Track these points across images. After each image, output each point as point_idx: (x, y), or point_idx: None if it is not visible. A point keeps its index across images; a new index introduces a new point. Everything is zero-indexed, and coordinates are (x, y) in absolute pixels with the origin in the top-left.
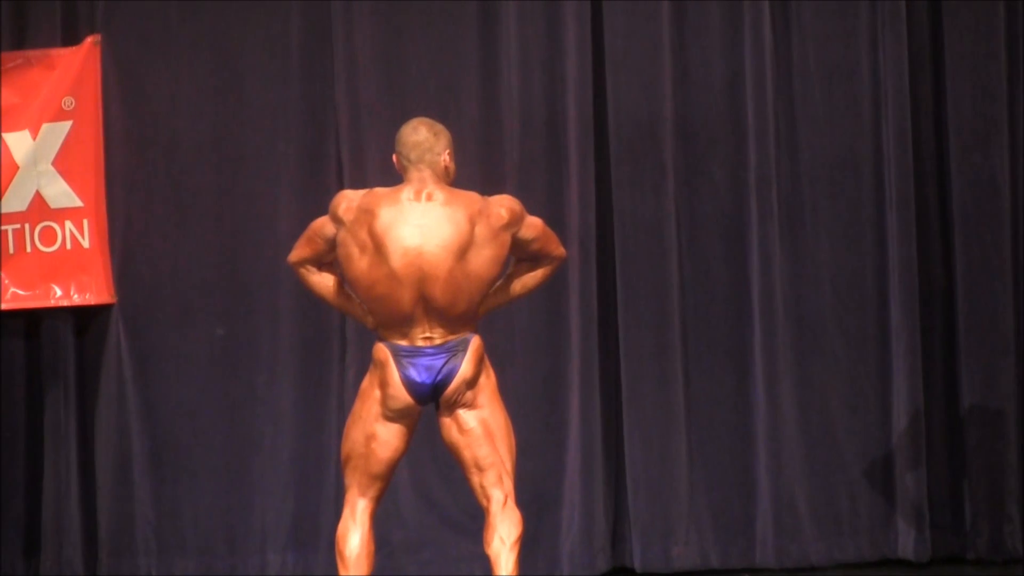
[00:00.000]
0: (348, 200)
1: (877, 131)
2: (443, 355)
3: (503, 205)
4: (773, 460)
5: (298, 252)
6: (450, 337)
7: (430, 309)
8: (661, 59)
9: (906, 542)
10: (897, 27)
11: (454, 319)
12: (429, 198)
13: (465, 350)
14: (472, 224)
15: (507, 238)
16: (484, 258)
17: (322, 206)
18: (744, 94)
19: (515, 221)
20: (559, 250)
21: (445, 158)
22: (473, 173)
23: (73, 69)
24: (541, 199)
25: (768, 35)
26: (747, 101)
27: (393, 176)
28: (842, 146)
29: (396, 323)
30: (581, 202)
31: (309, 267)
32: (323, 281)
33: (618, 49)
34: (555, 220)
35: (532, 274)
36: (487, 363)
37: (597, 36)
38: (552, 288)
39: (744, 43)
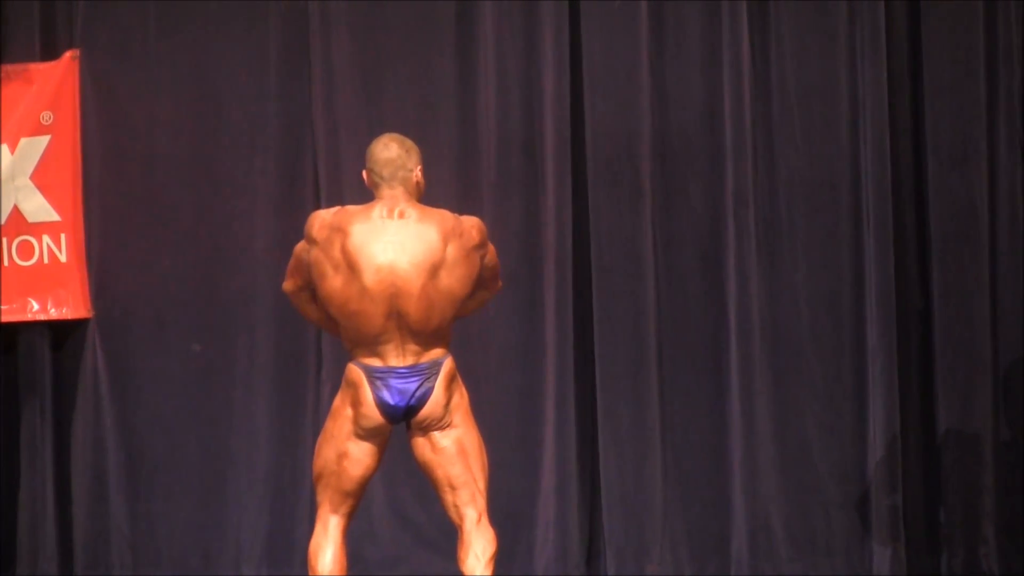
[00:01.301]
0: (320, 220)
1: (855, 151)
2: (416, 378)
3: (475, 226)
4: (749, 479)
5: (290, 281)
6: (423, 358)
7: (403, 325)
8: (639, 78)
9: (881, 562)
10: (876, 47)
11: (427, 336)
12: (402, 215)
13: (438, 373)
14: (445, 243)
15: (477, 259)
16: (456, 276)
17: (299, 222)
18: (722, 113)
19: (484, 243)
20: (499, 283)
21: (417, 174)
22: (450, 191)
23: (52, 84)
24: (518, 217)
25: (747, 54)
26: (725, 120)
27: (369, 193)
28: (820, 166)
29: (369, 340)
30: (558, 220)
31: (304, 295)
32: (317, 309)
33: (596, 67)
34: (532, 238)
35: (472, 300)
36: (460, 383)
37: (575, 54)
38: (528, 305)
39: (722, 62)
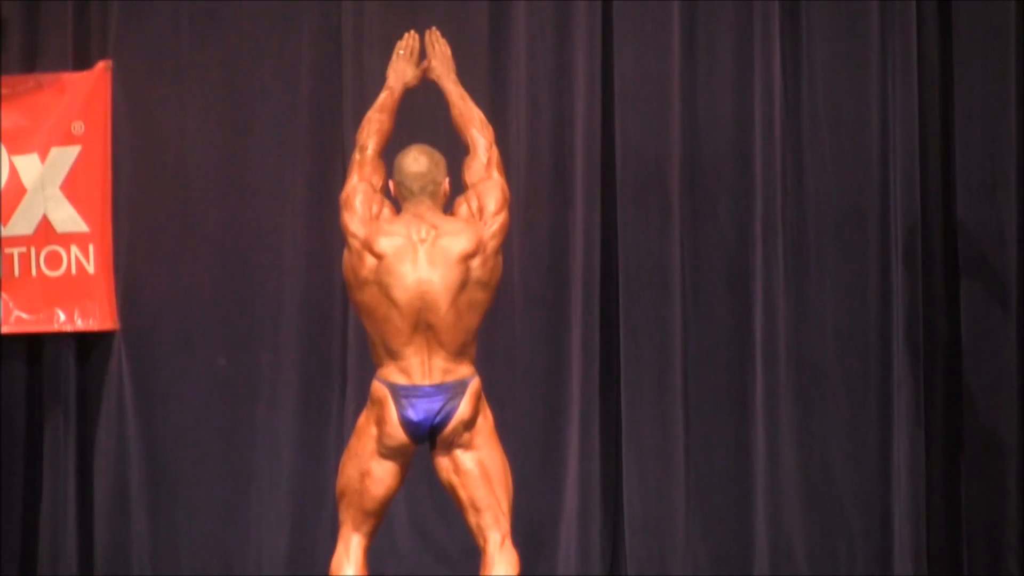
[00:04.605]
0: (355, 223)
1: (885, 180)
2: (441, 397)
3: (501, 226)
4: (772, 506)
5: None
6: (449, 376)
7: (431, 338)
8: (670, 100)
9: None
10: (908, 76)
11: (454, 349)
12: (432, 230)
13: (463, 393)
14: (471, 259)
15: (501, 259)
16: (484, 290)
17: (327, 237)
18: (753, 138)
19: (504, 231)
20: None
21: (445, 186)
22: None
23: (83, 94)
24: (546, 236)
25: (778, 79)
26: (755, 145)
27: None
28: (849, 194)
29: (395, 350)
30: (586, 240)
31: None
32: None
33: (627, 89)
34: (559, 258)
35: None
36: (485, 404)
37: (607, 75)
38: (554, 326)
39: (753, 86)
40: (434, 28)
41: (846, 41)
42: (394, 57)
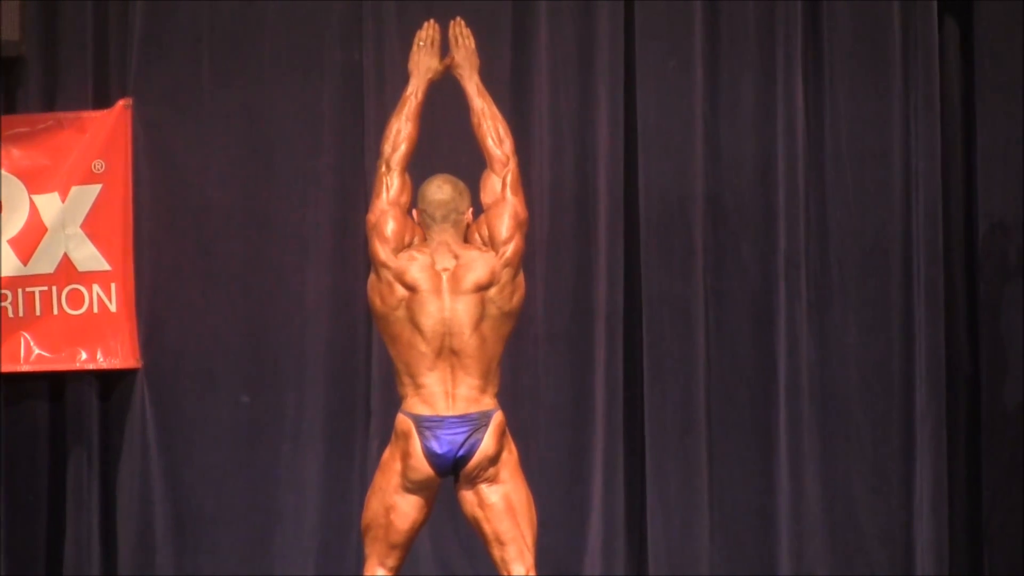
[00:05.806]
0: (386, 255)
1: (907, 215)
2: (465, 428)
3: (514, 252)
4: (795, 541)
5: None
6: (472, 407)
7: (455, 364)
8: (693, 138)
9: None
10: (930, 112)
11: (479, 376)
12: (454, 260)
13: (487, 425)
14: (485, 290)
15: (521, 280)
16: (507, 317)
17: (350, 274)
18: (775, 175)
19: (518, 259)
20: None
21: (468, 216)
22: None
23: (104, 132)
24: (569, 275)
25: (800, 117)
26: (778, 182)
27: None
28: (872, 229)
29: (419, 376)
30: (609, 279)
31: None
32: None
33: (650, 127)
34: (583, 296)
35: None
36: (509, 438)
37: (629, 113)
38: (578, 363)
39: (776, 124)
40: (459, 19)
41: (868, 78)
42: (414, 48)
